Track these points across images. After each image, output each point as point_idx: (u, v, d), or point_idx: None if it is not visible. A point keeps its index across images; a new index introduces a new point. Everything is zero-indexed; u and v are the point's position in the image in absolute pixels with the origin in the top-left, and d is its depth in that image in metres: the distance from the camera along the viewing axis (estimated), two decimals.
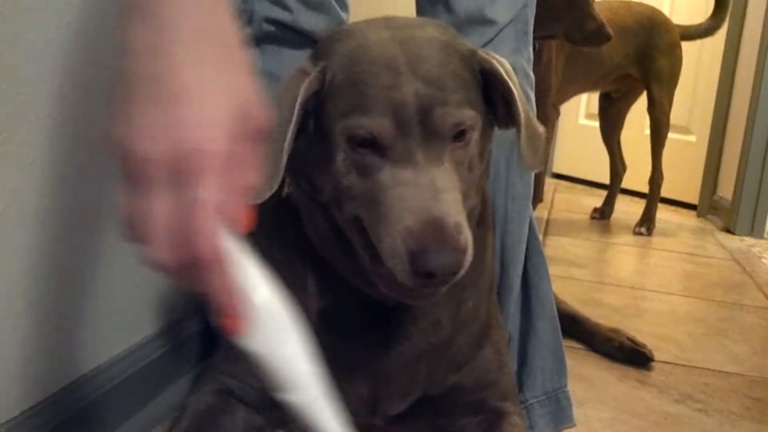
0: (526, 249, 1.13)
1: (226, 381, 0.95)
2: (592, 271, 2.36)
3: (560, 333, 1.13)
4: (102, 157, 0.95)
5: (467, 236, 0.70)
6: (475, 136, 0.76)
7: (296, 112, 0.73)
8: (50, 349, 0.91)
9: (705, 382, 1.45)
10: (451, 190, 0.72)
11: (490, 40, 1.04)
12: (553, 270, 2.18)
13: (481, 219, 0.91)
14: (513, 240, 1.08)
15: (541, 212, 2.97)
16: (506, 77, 0.79)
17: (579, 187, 4.01)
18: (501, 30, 1.04)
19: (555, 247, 2.59)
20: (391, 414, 0.91)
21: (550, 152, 3.91)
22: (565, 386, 1.10)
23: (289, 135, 0.73)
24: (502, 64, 0.80)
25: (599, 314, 1.83)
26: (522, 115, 0.80)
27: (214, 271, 0.53)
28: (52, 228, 0.89)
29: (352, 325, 0.87)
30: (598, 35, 2.13)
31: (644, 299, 2.05)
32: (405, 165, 0.71)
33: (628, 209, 3.20)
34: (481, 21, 1.03)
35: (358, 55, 0.75)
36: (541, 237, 2.60)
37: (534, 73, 1.11)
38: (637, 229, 2.94)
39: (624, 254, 2.73)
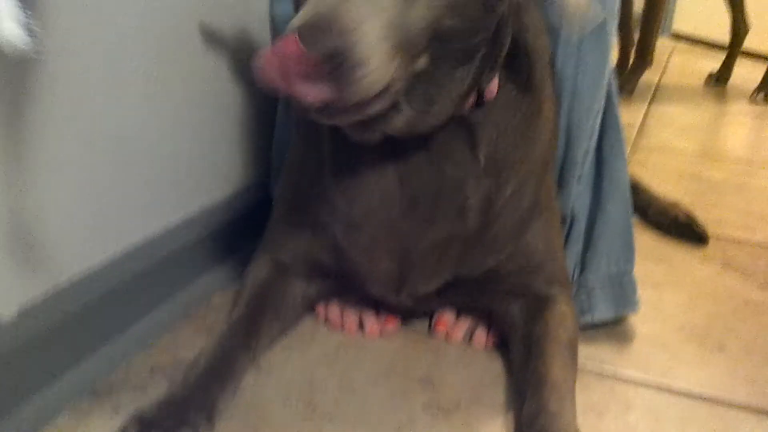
0: (603, 125, 1.04)
1: (279, 255, 0.98)
2: (697, 142, 2.21)
3: (631, 216, 1.07)
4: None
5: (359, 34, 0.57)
6: None
7: None
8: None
9: None
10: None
11: None
12: (653, 141, 2.09)
13: (527, 81, 0.83)
14: (581, 116, 1.00)
15: (652, 77, 2.78)
16: None
17: (698, 49, 3.72)
18: None
19: (661, 116, 2.44)
20: (419, 294, 0.90)
21: (667, 8, 3.63)
22: (631, 271, 1.05)
23: None
24: None
25: (696, 189, 1.73)
26: None
27: None
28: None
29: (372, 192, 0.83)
30: None
31: (748, 175, 1.91)
32: None
33: (750, 74, 2.92)
34: None
35: None
36: (646, 105, 2.47)
37: None
38: (753, 97, 2.72)
39: (735, 125, 2.54)
